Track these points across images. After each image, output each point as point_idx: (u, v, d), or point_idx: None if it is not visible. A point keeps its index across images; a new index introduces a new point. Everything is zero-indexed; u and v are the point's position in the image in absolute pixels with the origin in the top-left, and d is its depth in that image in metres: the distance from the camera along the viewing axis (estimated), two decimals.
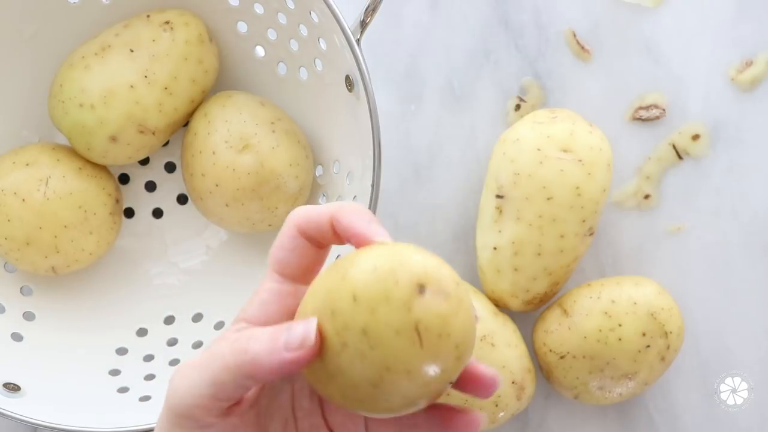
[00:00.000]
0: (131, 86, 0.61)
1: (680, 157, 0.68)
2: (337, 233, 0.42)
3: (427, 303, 0.39)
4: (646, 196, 0.68)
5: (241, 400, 0.43)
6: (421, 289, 0.39)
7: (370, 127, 0.57)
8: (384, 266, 0.39)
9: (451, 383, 0.41)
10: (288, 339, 0.40)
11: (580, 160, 0.62)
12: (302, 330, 0.40)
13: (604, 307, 0.63)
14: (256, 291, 0.44)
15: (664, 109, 0.68)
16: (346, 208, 0.42)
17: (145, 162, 0.68)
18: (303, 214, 0.43)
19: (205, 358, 0.42)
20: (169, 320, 0.67)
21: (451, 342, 0.39)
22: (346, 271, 0.40)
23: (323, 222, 0.42)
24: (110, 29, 0.63)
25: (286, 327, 0.40)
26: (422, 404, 0.41)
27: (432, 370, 0.39)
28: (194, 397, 0.42)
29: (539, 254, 0.62)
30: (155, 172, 0.69)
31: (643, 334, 0.62)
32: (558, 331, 0.63)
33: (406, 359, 0.39)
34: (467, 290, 0.42)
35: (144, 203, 0.69)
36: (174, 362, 0.65)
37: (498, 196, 0.62)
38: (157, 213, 0.69)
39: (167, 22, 0.62)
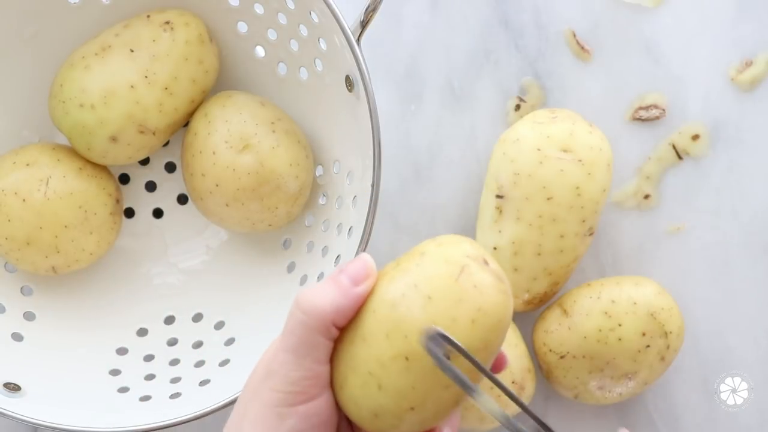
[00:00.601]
0: (131, 86, 0.61)
1: (680, 157, 0.68)
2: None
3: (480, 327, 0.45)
4: (646, 196, 0.68)
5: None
6: (474, 319, 0.45)
7: (370, 127, 0.57)
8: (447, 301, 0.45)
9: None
10: (345, 272, 0.46)
11: (580, 160, 0.62)
12: (356, 261, 0.46)
13: (604, 307, 0.63)
14: None
15: (664, 109, 0.68)
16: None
17: (145, 162, 0.68)
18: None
19: (327, 282, 0.46)
20: (169, 320, 0.67)
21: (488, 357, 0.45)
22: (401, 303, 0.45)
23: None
24: (110, 29, 0.63)
25: (339, 270, 0.46)
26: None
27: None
28: (326, 307, 0.45)
29: (539, 254, 0.62)
30: (155, 172, 0.69)
31: (643, 334, 0.62)
32: (558, 331, 0.63)
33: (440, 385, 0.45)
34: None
35: (144, 203, 0.69)
36: (174, 362, 0.65)
37: (498, 196, 0.62)
38: (158, 213, 0.69)
39: (167, 22, 0.62)
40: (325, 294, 0.45)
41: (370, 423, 0.46)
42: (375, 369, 0.45)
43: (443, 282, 0.44)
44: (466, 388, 0.43)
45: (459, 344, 0.43)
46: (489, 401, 0.43)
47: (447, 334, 0.43)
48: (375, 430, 0.46)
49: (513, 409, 0.63)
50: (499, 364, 0.49)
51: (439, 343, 0.43)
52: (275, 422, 0.45)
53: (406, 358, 0.44)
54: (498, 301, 0.45)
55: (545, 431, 0.45)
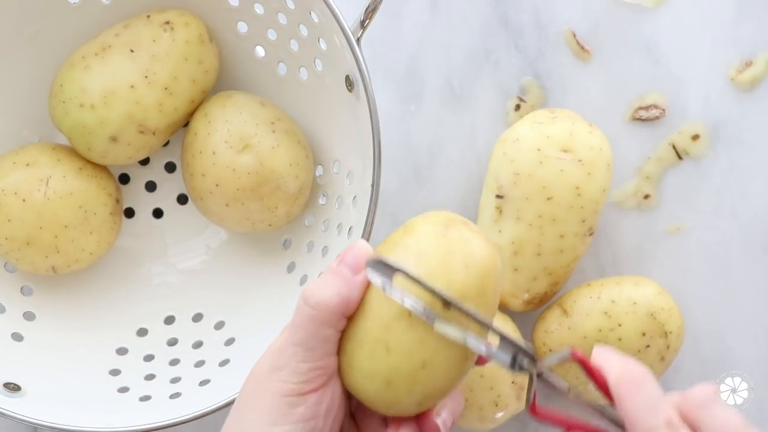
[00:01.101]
0: (131, 86, 0.61)
1: (680, 157, 0.68)
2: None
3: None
4: (646, 196, 0.68)
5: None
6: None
7: (370, 127, 0.57)
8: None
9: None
10: (346, 262, 0.47)
11: (580, 160, 0.62)
12: (354, 249, 0.48)
13: (604, 307, 0.63)
14: None
15: (664, 109, 0.68)
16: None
17: (145, 162, 0.68)
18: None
19: (329, 274, 0.47)
20: (169, 320, 0.67)
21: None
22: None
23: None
24: (110, 29, 0.63)
25: (339, 260, 0.47)
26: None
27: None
28: (331, 300, 0.46)
29: (539, 254, 0.62)
30: (155, 172, 0.69)
31: (643, 334, 0.62)
32: (558, 331, 0.63)
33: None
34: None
35: (144, 203, 0.69)
36: (174, 362, 0.65)
37: (498, 196, 0.62)
38: (157, 213, 0.69)
39: (167, 22, 0.62)
40: (330, 287, 0.47)
41: (385, 393, 0.47)
42: (380, 334, 0.46)
43: (432, 239, 0.47)
44: (415, 311, 0.45)
45: (394, 264, 0.45)
46: (446, 327, 0.45)
47: (386, 258, 0.46)
48: (390, 401, 0.47)
49: (513, 409, 0.63)
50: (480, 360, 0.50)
51: (384, 272, 0.46)
52: (285, 410, 0.46)
53: (409, 314, 0.46)
54: (485, 247, 0.47)
55: (519, 351, 0.47)
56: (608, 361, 0.44)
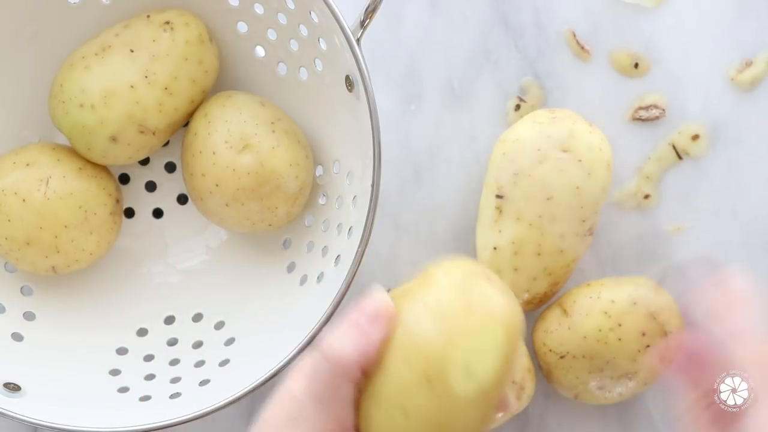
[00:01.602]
0: (131, 86, 0.61)
1: (680, 157, 0.68)
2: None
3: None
4: (646, 196, 0.68)
5: None
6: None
7: (370, 127, 0.57)
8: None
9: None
10: (364, 314, 0.45)
11: (580, 160, 0.62)
12: (373, 300, 0.45)
13: (604, 307, 0.63)
14: None
15: (663, 109, 0.68)
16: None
17: (145, 162, 0.68)
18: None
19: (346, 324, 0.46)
20: (169, 320, 0.67)
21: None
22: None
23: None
24: (110, 29, 0.63)
25: (357, 312, 0.46)
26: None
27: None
28: (347, 352, 0.45)
29: (539, 254, 0.62)
30: (155, 172, 0.69)
31: (643, 334, 0.62)
32: (558, 331, 0.63)
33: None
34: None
35: (144, 203, 0.69)
36: (174, 362, 0.65)
37: (498, 196, 0.62)
38: (157, 213, 0.69)
39: (167, 23, 0.62)
40: (348, 340, 0.45)
41: None
42: (398, 397, 0.44)
43: (451, 296, 0.45)
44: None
45: None
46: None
47: None
48: None
49: (513, 408, 0.63)
50: (503, 406, 0.48)
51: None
52: None
53: (428, 380, 0.44)
54: (505, 303, 0.45)
55: None
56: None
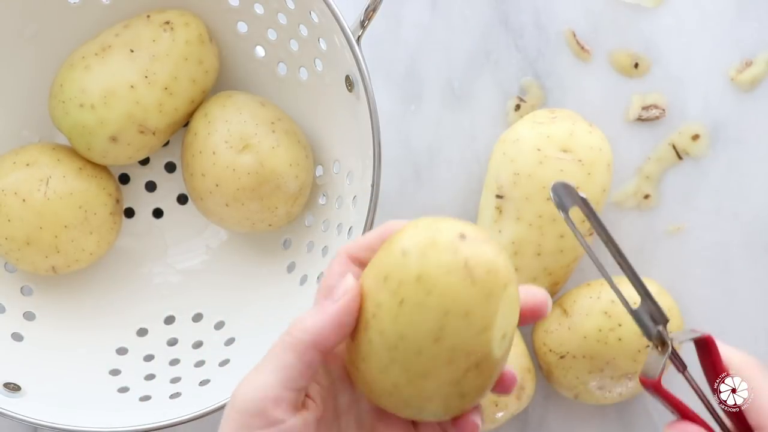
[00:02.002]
0: (131, 86, 0.61)
1: (680, 157, 0.68)
2: None
3: (470, 244, 0.42)
4: (646, 196, 0.68)
5: (305, 402, 0.44)
6: (462, 236, 0.42)
7: (370, 127, 0.57)
8: (426, 225, 0.43)
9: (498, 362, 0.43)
10: (331, 295, 0.44)
11: (580, 160, 0.62)
12: (342, 283, 0.44)
13: (604, 307, 0.63)
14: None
15: (664, 109, 0.68)
16: (389, 224, 0.46)
17: (145, 162, 0.68)
18: (354, 245, 0.46)
19: (266, 355, 0.44)
20: (169, 320, 0.67)
21: (500, 280, 0.42)
22: (392, 241, 0.43)
23: (375, 244, 0.45)
24: (110, 29, 0.63)
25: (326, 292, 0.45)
26: (473, 391, 0.43)
27: (488, 311, 0.41)
28: (264, 389, 0.43)
29: (539, 254, 0.62)
30: (155, 172, 0.69)
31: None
32: (558, 331, 0.63)
33: (463, 298, 0.41)
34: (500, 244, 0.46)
35: (144, 203, 0.69)
36: (174, 362, 0.65)
37: (498, 196, 0.62)
38: (157, 213, 0.69)
39: (167, 23, 0.62)
40: (312, 313, 0.44)
41: (405, 411, 0.44)
42: (388, 351, 0.43)
43: (427, 239, 0.43)
44: (582, 243, 0.49)
45: (583, 196, 0.48)
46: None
47: (570, 184, 0.48)
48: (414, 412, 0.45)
49: (513, 409, 0.63)
50: (509, 384, 0.47)
51: (565, 195, 0.48)
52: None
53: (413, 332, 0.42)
54: (487, 243, 0.43)
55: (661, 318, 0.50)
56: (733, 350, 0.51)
